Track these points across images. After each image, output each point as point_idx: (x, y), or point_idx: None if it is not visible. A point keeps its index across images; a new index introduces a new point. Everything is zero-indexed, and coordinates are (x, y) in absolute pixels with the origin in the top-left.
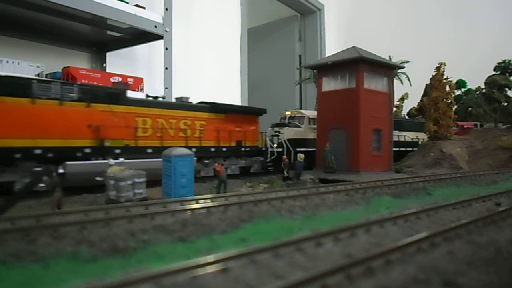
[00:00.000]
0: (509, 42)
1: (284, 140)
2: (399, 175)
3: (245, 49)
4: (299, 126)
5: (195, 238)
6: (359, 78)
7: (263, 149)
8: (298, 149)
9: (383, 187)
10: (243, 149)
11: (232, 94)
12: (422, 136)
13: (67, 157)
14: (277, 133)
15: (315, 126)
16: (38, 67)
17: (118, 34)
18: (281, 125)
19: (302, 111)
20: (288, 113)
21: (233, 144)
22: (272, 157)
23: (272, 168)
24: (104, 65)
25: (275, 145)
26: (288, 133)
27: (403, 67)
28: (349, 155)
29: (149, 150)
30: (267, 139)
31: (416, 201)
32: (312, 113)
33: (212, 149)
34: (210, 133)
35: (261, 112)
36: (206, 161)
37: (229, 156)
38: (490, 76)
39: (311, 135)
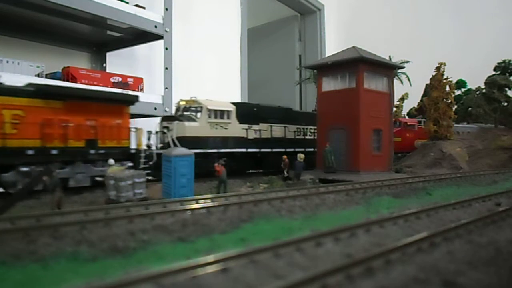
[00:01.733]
0: (509, 42)
1: (173, 139)
2: (399, 175)
3: (245, 49)
4: (193, 120)
5: (195, 238)
6: (359, 78)
7: (133, 151)
8: (196, 151)
9: (383, 187)
10: (93, 151)
11: (232, 94)
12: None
13: None
14: (165, 129)
15: (221, 121)
16: (38, 67)
17: (118, 34)
18: (171, 118)
19: (201, 100)
20: (182, 103)
21: (79, 144)
22: (151, 162)
23: (149, 176)
24: (104, 65)
25: (161, 145)
26: (178, 129)
27: (403, 67)
28: (349, 155)
29: None
30: (142, 137)
31: (416, 201)
32: (215, 104)
33: (30, 152)
34: (31, 128)
35: (131, 99)
36: (25, 169)
37: (73, 162)
38: (490, 76)
39: (213, 132)
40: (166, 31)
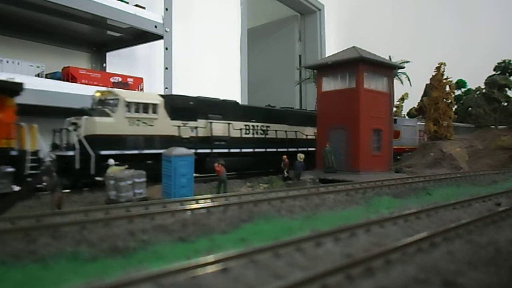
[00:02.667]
0: (509, 42)
1: (79, 139)
2: (399, 175)
3: (245, 49)
4: (107, 115)
5: (195, 238)
6: (359, 78)
7: (15, 153)
8: (105, 152)
9: (383, 187)
10: None
11: (232, 94)
12: (310, 132)
13: None
14: (71, 127)
15: (144, 116)
16: (38, 67)
17: (118, 34)
18: (80, 113)
19: (118, 91)
20: (97, 94)
21: None
22: (42, 168)
23: (39, 184)
24: (104, 65)
25: (65, 146)
26: (87, 126)
27: (403, 67)
28: (349, 155)
29: None
30: (36, 136)
31: (416, 201)
32: (135, 96)
33: None
34: None
35: (13, 87)
36: None
37: None
38: (490, 76)
39: (133, 130)
40: (166, 31)
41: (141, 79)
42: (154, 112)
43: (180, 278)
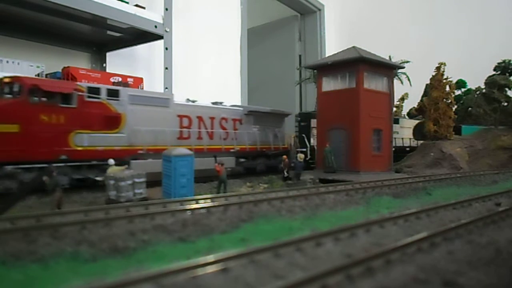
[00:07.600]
0: (509, 42)
1: None
2: (399, 175)
3: (245, 49)
4: None
5: (195, 238)
6: (359, 78)
7: None
8: None
9: (383, 187)
10: None
11: (232, 94)
12: None
13: None
14: None
15: None
16: (38, 67)
17: (118, 34)
18: None
19: None
20: None
21: None
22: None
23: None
24: (104, 65)
25: None
26: None
27: (403, 67)
28: (349, 155)
29: None
30: None
31: (416, 201)
32: None
33: None
34: None
35: None
36: None
37: None
38: (490, 76)
39: None
40: (166, 31)
41: (141, 79)
42: None
43: (180, 278)
